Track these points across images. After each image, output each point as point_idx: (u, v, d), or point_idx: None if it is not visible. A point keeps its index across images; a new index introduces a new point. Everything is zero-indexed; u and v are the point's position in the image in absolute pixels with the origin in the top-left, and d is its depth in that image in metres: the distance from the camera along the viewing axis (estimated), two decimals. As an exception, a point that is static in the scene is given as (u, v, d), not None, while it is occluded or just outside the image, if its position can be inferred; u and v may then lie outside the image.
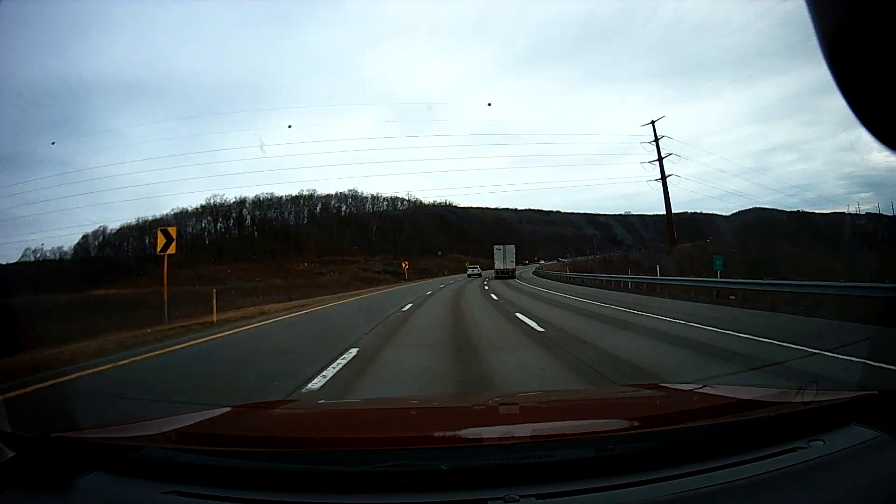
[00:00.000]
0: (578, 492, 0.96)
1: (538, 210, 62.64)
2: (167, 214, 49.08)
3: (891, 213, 22.74)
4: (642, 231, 35.24)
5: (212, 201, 53.93)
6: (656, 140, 25.96)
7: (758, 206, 34.14)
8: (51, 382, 4.88)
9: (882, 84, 0.60)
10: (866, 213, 25.35)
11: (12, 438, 1.10)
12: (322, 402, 3.41)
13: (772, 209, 33.19)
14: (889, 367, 4.34)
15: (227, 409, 1.75)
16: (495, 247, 35.33)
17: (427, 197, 65.60)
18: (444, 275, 45.88)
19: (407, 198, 60.64)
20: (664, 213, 26.76)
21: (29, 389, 4.53)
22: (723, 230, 29.88)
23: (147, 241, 46.84)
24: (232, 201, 54.80)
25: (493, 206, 63.74)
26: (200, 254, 45.55)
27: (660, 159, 25.81)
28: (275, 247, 50.35)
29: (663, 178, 25.74)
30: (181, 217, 50.88)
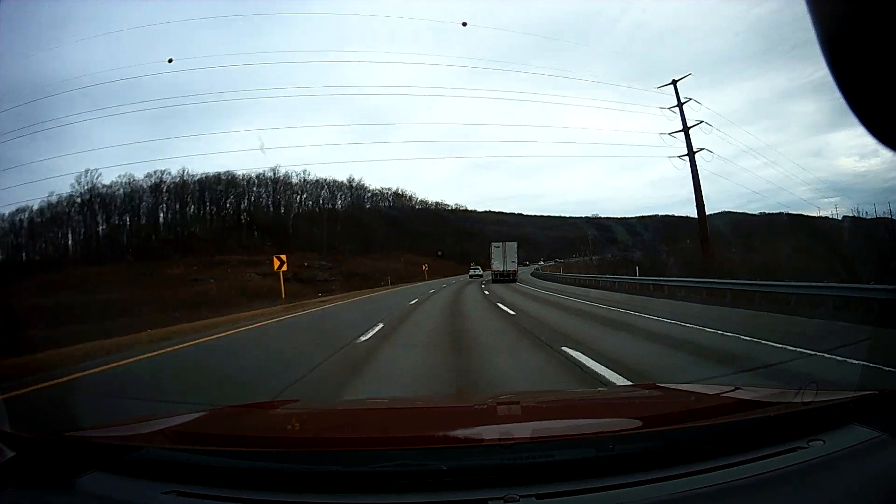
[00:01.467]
0: (578, 492, 0.95)
1: (500, 212, 57.75)
2: (37, 202, 34.53)
3: (865, 216, 21.98)
4: (643, 232, 34.69)
5: (85, 181, 35.99)
6: (680, 105, 19.68)
7: (726, 210, 33.35)
8: None
9: (881, 83, 0.60)
10: (843, 217, 24.78)
11: (12, 438, 1.10)
12: (322, 401, 3.42)
13: (741, 213, 32.18)
14: (888, 368, 4.33)
15: (227, 409, 1.75)
16: (493, 244, 31.23)
17: (375, 185, 51.39)
18: (387, 284, 31.78)
19: (348, 183, 46.59)
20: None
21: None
22: (715, 232, 29.32)
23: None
24: (116, 184, 37.81)
25: (453, 206, 57.20)
26: (70, 255, 34.48)
27: (685, 129, 19.58)
28: (156, 245, 37.21)
29: (690, 153, 19.44)
30: (59, 207, 35.52)
